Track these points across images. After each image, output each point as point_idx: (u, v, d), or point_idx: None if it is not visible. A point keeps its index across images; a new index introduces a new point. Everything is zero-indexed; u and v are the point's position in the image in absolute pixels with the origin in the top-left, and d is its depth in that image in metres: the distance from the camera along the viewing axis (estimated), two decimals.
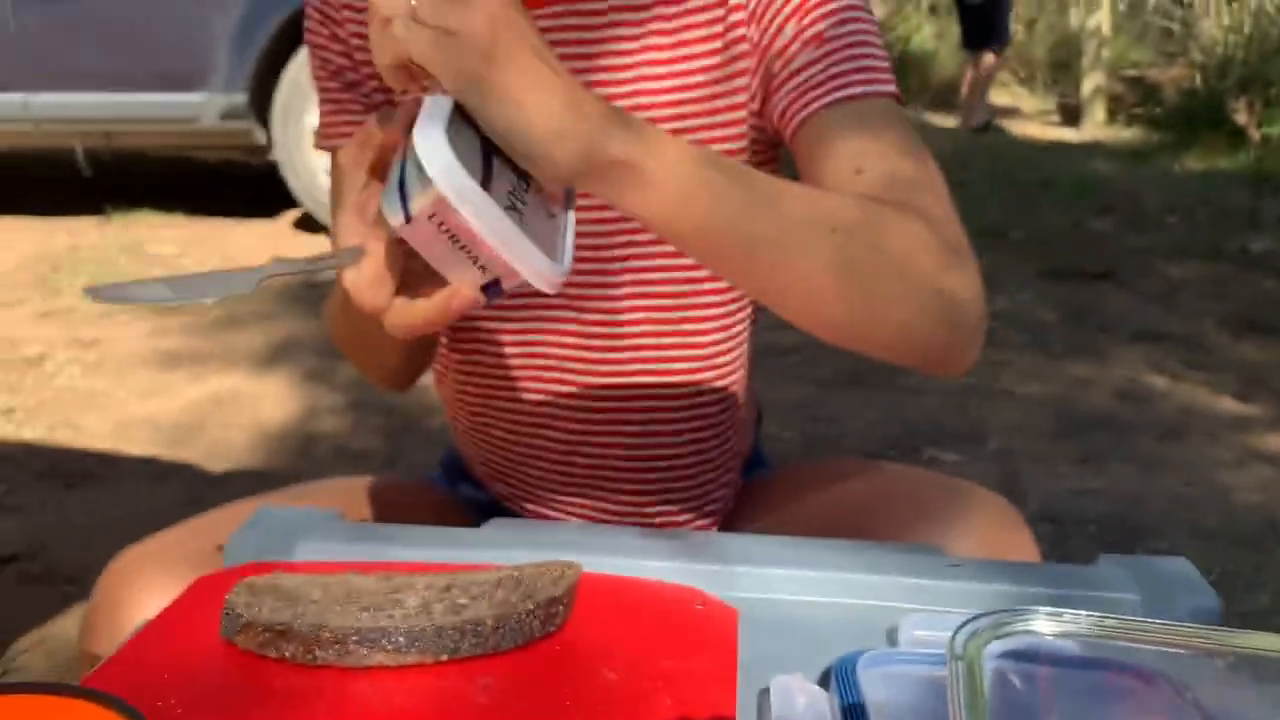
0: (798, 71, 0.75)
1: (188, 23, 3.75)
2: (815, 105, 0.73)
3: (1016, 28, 7.83)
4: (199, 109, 3.82)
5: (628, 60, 0.82)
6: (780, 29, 0.76)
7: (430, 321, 0.57)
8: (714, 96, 0.80)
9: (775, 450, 2.21)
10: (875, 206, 0.65)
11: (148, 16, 3.77)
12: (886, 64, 0.76)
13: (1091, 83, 7.86)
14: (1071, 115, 8.27)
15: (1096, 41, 7.77)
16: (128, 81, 3.81)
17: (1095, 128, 7.67)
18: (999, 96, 7.95)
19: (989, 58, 7.27)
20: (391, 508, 0.90)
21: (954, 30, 11.29)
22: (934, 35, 11.17)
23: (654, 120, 0.75)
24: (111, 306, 3.05)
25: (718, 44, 0.78)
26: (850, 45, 0.74)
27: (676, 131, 0.78)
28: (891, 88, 0.75)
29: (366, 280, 0.56)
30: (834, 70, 0.74)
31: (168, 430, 2.23)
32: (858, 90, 0.73)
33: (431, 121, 0.51)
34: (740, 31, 0.77)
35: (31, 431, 2.20)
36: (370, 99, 0.87)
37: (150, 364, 2.61)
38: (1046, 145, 7.08)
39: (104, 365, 2.60)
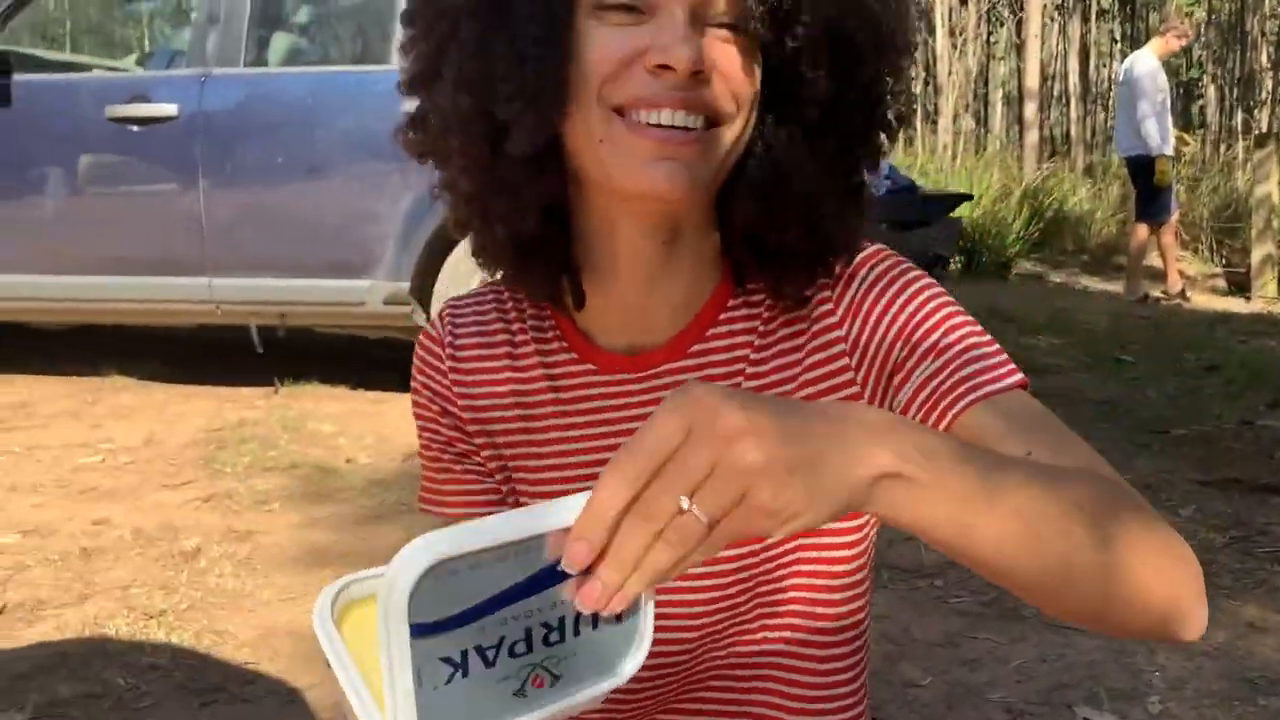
0: (923, 385, 0.75)
1: (359, 216, 4.01)
2: (952, 413, 0.73)
3: (1179, 187, 7.62)
4: (366, 294, 4.05)
5: None
6: (882, 330, 0.78)
7: None
8: None
9: (913, 699, 2.10)
10: (1084, 475, 0.64)
11: (322, 209, 4.05)
12: (1006, 358, 0.76)
13: (1261, 252, 7.55)
14: (1239, 283, 7.93)
15: (1266, 210, 7.47)
16: (303, 268, 4.08)
17: (1266, 301, 7.32)
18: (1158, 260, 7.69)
19: (1141, 231, 7.11)
20: None
21: (1111, 191, 11.11)
22: (1090, 196, 11.00)
23: None
24: (266, 495, 3.19)
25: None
26: (968, 349, 0.75)
27: None
28: (1019, 377, 0.74)
29: None
30: (960, 375, 0.74)
31: (307, 640, 2.29)
32: (991, 389, 0.73)
33: None
34: (836, 334, 0.81)
35: (179, 637, 2.28)
36: (482, 468, 0.90)
37: (298, 562, 2.71)
38: (1213, 318, 6.78)
39: (254, 560, 2.71)
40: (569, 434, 0.86)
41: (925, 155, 11.65)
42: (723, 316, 0.83)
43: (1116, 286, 8.18)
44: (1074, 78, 15.00)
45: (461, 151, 0.78)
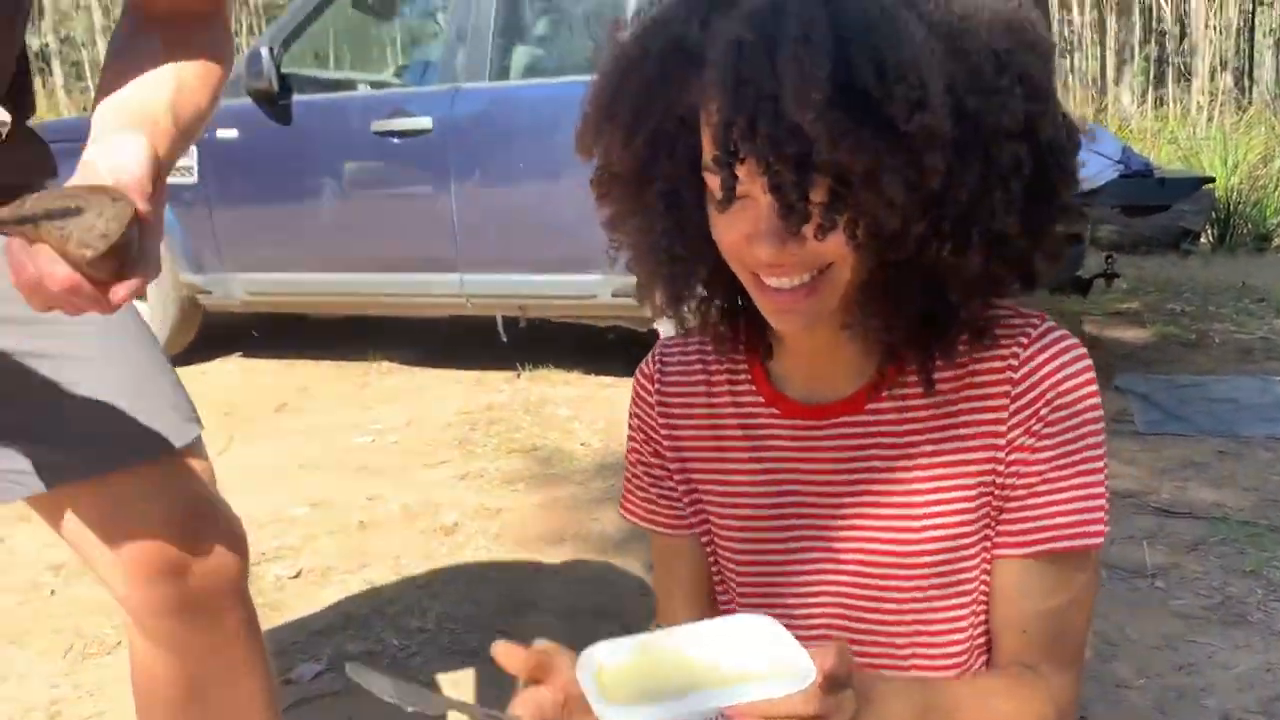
0: (1017, 508, 0.91)
1: (591, 217, 4.26)
2: (1017, 552, 0.91)
3: None
4: (597, 288, 4.34)
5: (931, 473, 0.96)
6: (1044, 399, 0.90)
7: None
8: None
9: (1122, 700, 2.13)
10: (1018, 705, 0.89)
11: (559, 211, 4.34)
12: (1103, 507, 0.90)
13: None
14: None
15: None
16: (541, 265, 4.41)
17: None
18: None
19: None
20: None
21: None
22: None
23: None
24: (513, 475, 3.52)
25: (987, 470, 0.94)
26: (1079, 486, 0.89)
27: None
28: (1094, 540, 0.89)
29: None
30: (1046, 521, 0.90)
31: (549, 614, 2.56)
32: (1060, 545, 0.90)
33: None
34: (1005, 386, 0.92)
35: (442, 604, 2.61)
36: (672, 492, 1.08)
37: (540, 539, 3.00)
38: None
39: (503, 537, 3.02)
40: (756, 468, 1.02)
41: (1176, 120, 10.89)
42: (898, 379, 0.97)
43: None
44: None
45: (655, 288, 1.01)
